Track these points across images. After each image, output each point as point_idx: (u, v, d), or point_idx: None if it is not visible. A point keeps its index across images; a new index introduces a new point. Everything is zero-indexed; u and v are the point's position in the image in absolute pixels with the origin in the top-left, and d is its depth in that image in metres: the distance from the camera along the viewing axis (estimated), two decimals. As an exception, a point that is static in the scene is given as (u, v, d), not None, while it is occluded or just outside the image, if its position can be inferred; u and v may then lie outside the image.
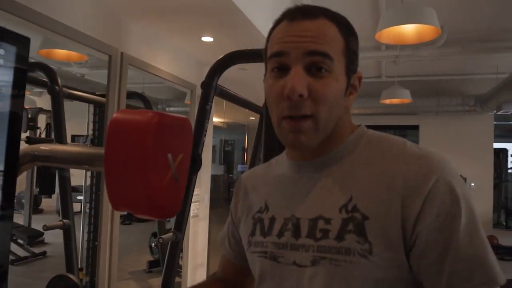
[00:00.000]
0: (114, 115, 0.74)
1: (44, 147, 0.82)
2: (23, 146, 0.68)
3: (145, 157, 0.65)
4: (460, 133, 7.13)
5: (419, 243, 0.59)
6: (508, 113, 5.85)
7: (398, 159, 0.64)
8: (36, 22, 1.73)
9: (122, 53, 2.34)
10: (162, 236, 2.13)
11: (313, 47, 0.64)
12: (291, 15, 0.68)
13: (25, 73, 0.69)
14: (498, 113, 5.96)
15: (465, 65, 5.97)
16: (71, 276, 2.15)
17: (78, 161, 0.82)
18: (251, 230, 0.76)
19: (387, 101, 5.64)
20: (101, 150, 0.76)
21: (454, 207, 0.59)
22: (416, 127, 7.52)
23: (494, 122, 7.09)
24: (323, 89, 0.64)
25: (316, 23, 0.66)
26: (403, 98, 5.53)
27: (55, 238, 3.63)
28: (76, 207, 2.59)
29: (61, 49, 2.76)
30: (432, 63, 5.74)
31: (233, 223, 0.86)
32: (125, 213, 4.44)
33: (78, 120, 3.29)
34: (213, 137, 4.06)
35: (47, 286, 2.10)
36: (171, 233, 2.10)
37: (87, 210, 2.86)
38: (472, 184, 7.07)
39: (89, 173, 2.81)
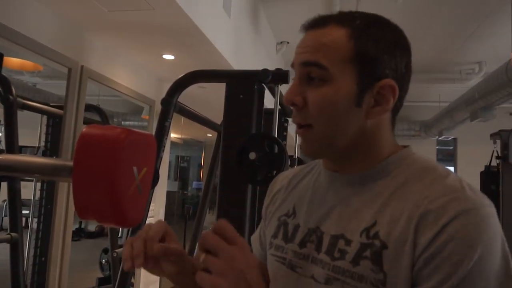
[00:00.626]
0: (84, 129, 0.78)
1: (6, 157, 0.85)
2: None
3: (113, 169, 0.71)
4: (406, 156, 7.56)
5: (414, 276, 0.55)
6: (448, 138, 6.28)
7: (431, 189, 0.59)
8: (-5, 32, 1.73)
9: (82, 66, 2.34)
10: (116, 250, 2.12)
11: (305, 58, 0.63)
12: (304, 27, 0.66)
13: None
14: (440, 138, 6.39)
15: (411, 92, 6.37)
16: (15, 292, 2.09)
17: (44, 171, 0.86)
18: (274, 231, 0.74)
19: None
20: (67, 162, 0.80)
21: (465, 248, 0.53)
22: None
23: (437, 147, 7.58)
24: (316, 100, 0.62)
25: (320, 31, 0.64)
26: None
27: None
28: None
29: (15, 57, 2.71)
30: (381, 89, 6.12)
31: (264, 222, 0.82)
32: (74, 229, 4.30)
33: (24, 131, 3.21)
34: (169, 153, 4.07)
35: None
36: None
37: (34, 225, 2.77)
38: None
39: (38, 187, 2.74)
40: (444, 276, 0.52)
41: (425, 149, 7.45)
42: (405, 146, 0.68)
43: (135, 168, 0.85)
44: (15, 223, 2.16)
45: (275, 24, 4.20)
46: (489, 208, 0.57)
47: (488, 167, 4.47)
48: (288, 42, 4.53)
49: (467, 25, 4.03)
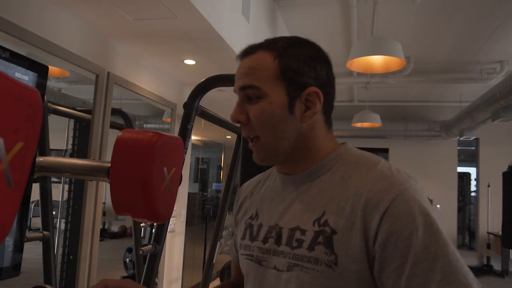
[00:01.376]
0: (120, 134, 0.86)
1: (49, 159, 0.93)
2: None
3: (146, 170, 0.78)
4: (426, 157, 7.47)
5: (378, 258, 0.63)
6: (470, 139, 6.19)
7: (366, 178, 0.69)
8: (29, 42, 1.84)
9: (108, 72, 2.45)
10: (142, 248, 2.21)
11: (241, 83, 0.75)
12: (238, 57, 0.78)
13: (43, 96, 0.82)
14: (461, 138, 6.31)
15: (431, 92, 6.34)
16: (48, 287, 2.19)
17: (84, 172, 0.94)
18: (242, 234, 0.83)
19: (358, 125, 5.90)
20: (104, 163, 0.88)
21: (410, 223, 0.62)
22: (386, 150, 7.82)
23: (458, 147, 7.47)
24: (255, 113, 0.73)
25: (250, 59, 0.75)
26: (373, 122, 5.80)
27: (28, 254, 3.61)
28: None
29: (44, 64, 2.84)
30: (400, 90, 6.08)
31: (235, 228, 0.92)
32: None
33: (51, 135, 3.34)
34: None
35: (25, 297, 2.13)
36: (150, 246, 2.18)
37: (63, 225, 2.89)
38: (438, 206, 7.38)
39: (66, 189, 2.86)
40: (403, 251, 0.62)
41: (445, 150, 7.36)
42: (343, 143, 0.80)
43: (165, 169, 0.92)
44: (47, 221, 2.27)
45: (293, 27, 4.25)
46: (416, 184, 0.68)
47: (510, 168, 4.41)
48: (306, 45, 4.57)
49: (487, 24, 3.99)
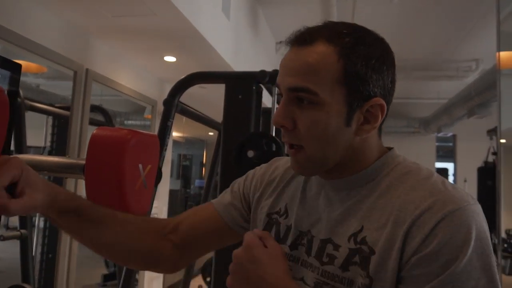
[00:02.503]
0: (95, 131, 0.87)
1: (25, 157, 0.94)
2: None
3: (120, 167, 0.80)
4: (405, 153, 7.42)
5: (403, 276, 0.56)
6: (447, 135, 6.35)
7: (415, 193, 0.59)
8: (5, 38, 1.82)
9: (87, 69, 2.43)
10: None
11: (293, 83, 0.61)
12: (289, 42, 0.64)
13: (16, 94, 0.82)
14: (438, 135, 6.46)
15: (410, 89, 6.45)
16: (27, 286, 2.18)
17: (59, 169, 0.95)
18: (263, 228, 0.74)
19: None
20: (79, 161, 0.89)
21: (455, 250, 0.54)
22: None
23: (436, 143, 7.65)
24: (306, 122, 0.61)
25: (307, 50, 0.61)
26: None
27: (3, 253, 3.56)
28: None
29: (21, 60, 2.79)
30: (380, 87, 6.18)
31: (239, 200, 0.82)
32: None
33: (29, 131, 3.30)
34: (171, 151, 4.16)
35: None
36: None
37: (41, 224, 2.86)
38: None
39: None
40: (432, 277, 0.53)
41: (424, 146, 7.52)
42: (389, 148, 0.69)
43: (140, 166, 0.94)
44: (24, 220, 2.25)
45: (274, 24, 4.28)
46: (473, 205, 0.57)
47: (485, 163, 4.55)
48: (287, 42, 4.60)
49: (463, 24, 4.10)
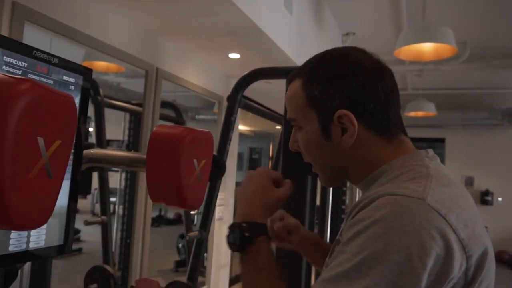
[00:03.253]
0: (155, 129, 0.94)
1: (96, 151, 1.04)
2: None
3: (177, 162, 0.87)
4: (487, 147, 7.07)
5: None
6: (535, 128, 5.79)
7: (381, 188, 0.65)
8: (85, 43, 2.01)
9: (157, 68, 2.60)
10: (189, 234, 2.35)
11: (288, 115, 0.78)
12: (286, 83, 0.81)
13: (88, 95, 0.92)
14: (526, 127, 5.91)
15: (492, 79, 5.97)
16: (107, 267, 2.40)
17: (125, 163, 1.04)
18: None
19: (412, 114, 5.71)
20: (141, 155, 0.97)
21: (351, 228, 0.60)
22: (442, 140, 7.50)
23: (524, 136, 7.01)
24: (300, 143, 0.77)
25: (289, 88, 0.77)
26: (427, 111, 5.59)
27: (89, 236, 3.92)
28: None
29: (101, 61, 3.05)
30: (457, 76, 5.78)
31: None
32: (154, 216, 4.70)
33: (110, 126, 3.59)
34: (239, 145, 4.27)
35: (86, 276, 2.35)
36: (197, 232, 2.31)
37: (120, 211, 3.11)
38: (500, 199, 6.98)
39: (123, 177, 3.08)
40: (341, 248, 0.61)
41: (509, 139, 6.92)
42: (414, 152, 0.72)
43: (195, 161, 1.00)
44: (104, 207, 2.47)
45: (340, 15, 4.19)
46: (406, 198, 0.58)
47: None
48: (354, 33, 4.49)
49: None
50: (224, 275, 3.96)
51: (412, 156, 0.70)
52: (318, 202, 2.42)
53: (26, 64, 0.80)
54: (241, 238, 0.77)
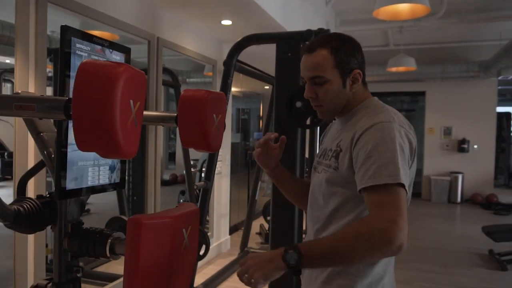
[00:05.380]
0: (183, 92, 1.16)
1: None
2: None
3: (204, 115, 1.14)
4: (464, 98, 7.44)
5: (353, 162, 1.05)
6: (508, 78, 6.13)
7: (365, 120, 1.08)
8: (88, 15, 2.24)
9: (158, 37, 2.83)
10: (196, 184, 2.68)
11: (310, 74, 1.13)
12: (302, 51, 1.16)
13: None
14: (499, 78, 6.24)
15: (469, 32, 6.23)
16: (123, 217, 2.73)
17: (158, 120, 1.32)
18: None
19: (394, 69, 5.99)
20: (171, 113, 1.25)
21: (367, 143, 1.02)
22: (423, 93, 7.83)
23: (500, 87, 7.36)
24: (322, 93, 1.13)
25: (313, 55, 1.12)
26: (408, 66, 5.87)
27: (94, 199, 4.23)
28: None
29: (95, 30, 3.25)
30: (436, 31, 6.02)
31: None
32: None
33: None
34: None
35: (106, 225, 2.67)
36: (202, 182, 2.65)
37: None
38: (475, 146, 7.44)
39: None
40: (362, 157, 1.02)
41: (484, 90, 7.28)
42: (371, 97, 1.18)
43: (214, 115, 1.29)
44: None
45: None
46: (391, 123, 1.03)
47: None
48: (337, -5, 4.67)
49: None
50: (225, 224, 4.37)
51: (373, 98, 1.19)
52: (307, 155, 2.72)
53: (89, 48, 1.08)
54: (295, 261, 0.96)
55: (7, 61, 4.23)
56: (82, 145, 0.75)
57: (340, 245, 0.95)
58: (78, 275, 1.16)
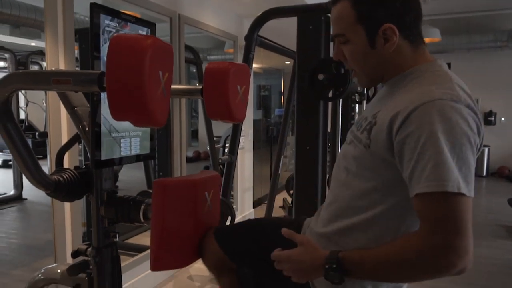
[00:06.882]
0: (207, 65, 1.19)
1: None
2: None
3: (227, 87, 1.17)
4: (492, 70, 7.20)
5: (397, 152, 0.82)
6: (538, 47, 5.87)
7: (413, 93, 0.83)
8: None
9: (179, 14, 2.85)
10: (221, 157, 2.75)
11: (334, 32, 0.94)
12: (329, 4, 0.98)
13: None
14: (530, 47, 5.98)
15: (496, 1, 5.98)
16: (149, 190, 2.82)
17: (185, 93, 1.38)
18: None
19: (417, 41, 5.83)
20: (196, 86, 1.29)
21: (419, 130, 0.77)
22: (448, 65, 7.59)
23: (530, 57, 7.08)
24: (347, 55, 0.94)
25: (335, 8, 0.93)
26: (433, 37, 5.70)
27: (124, 176, 4.36)
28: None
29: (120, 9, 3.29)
30: (460, 0, 5.81)
31: None
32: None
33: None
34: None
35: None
36: (227, 156, 2.71)
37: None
38: (503, 118, 7.24)
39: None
40: (412, 150, 0.78)
41: (513, 61, 7.02)
42: (432, 61, 0.91)
43: (238, 86, 1.32)
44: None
45: None
46: (446, 101, 0.78)
47: None
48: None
49: None
50: (248, 197, 4.45)
51: (433, 62, 0.92)
52: (329, 129, 2.72)
53: (117, 24, 1.13)
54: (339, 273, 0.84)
55: (33, 43, 4.35)
56: (116, 115, 0.79)
57: (384, 269, 0.82)
58: (115, 240, 1.25)
